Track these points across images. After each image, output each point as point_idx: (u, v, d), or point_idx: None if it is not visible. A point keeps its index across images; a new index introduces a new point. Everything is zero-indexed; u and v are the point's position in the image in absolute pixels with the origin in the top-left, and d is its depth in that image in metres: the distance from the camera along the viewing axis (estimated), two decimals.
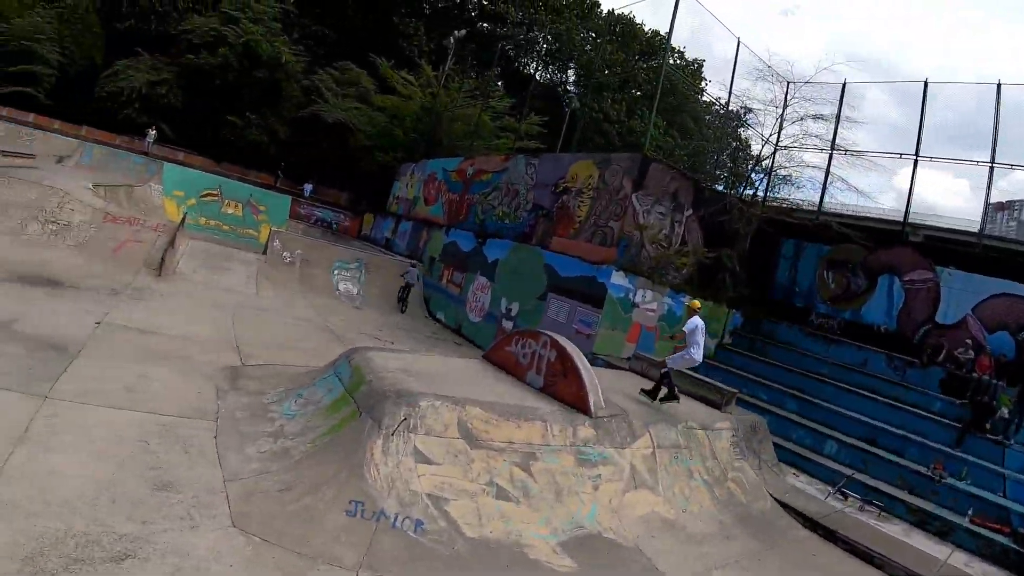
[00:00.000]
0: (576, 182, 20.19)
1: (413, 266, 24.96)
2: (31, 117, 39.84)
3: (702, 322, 11.66)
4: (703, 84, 53.80)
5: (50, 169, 26.35)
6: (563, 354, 10.35)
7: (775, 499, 11.71)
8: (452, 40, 41.49)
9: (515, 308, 19.34)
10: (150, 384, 9.56)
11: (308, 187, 40.66)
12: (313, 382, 9.96)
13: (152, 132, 38.91)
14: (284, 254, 23.28)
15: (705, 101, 65.40)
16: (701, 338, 11.47)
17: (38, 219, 18.34)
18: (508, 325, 19.46)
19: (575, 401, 9.92)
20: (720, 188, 25.22)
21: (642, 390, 12.20)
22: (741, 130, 28.77)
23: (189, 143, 43.54)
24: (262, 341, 14.14)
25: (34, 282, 14.07)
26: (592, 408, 9.79)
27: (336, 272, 23.96)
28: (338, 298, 22.81)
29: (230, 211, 35.23)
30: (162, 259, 18.64)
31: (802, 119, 21.39)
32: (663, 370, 11.90)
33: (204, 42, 42.25)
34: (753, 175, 23.39)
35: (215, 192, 35.16)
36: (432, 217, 29.22)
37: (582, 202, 19.69)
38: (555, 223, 20.58)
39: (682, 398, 12.25)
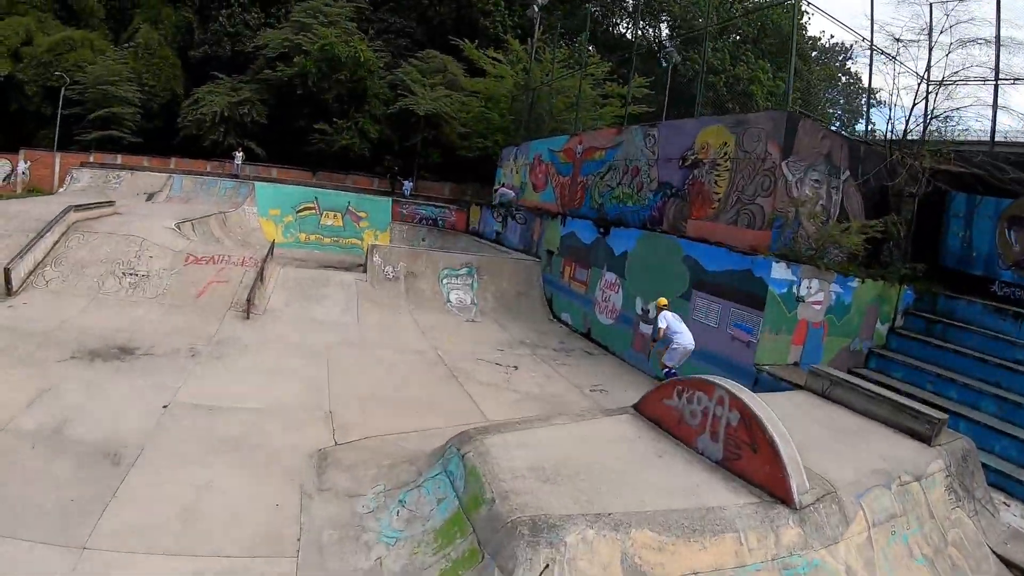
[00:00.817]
0: (707, 152, 17.27)
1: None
2: (119, 158, 40.99)
3: (671, 313, 13.41)
4: (807, 18, 48.89)
5: (136, 211, 26.34)
6: (749, 417, 7.67)
7: (997, 555, 8.77)
8: (536, 9, 38.47)
9: (653, 309, 16.52)
10: (213, 502, 7.76)
11: (408, 184, 39.58)
12: (420, 481, 7.67)
13: (239, 154, 38.95)
14: (386, 269, 21.29)
15: (810, 36, 59.67)
16: (680, 324, 13.06)
17: (115, 273, 17.57)
18: (646, 330, 16.66)
19: (769, 483, 7.41)
20: (865, 141, 21.07)
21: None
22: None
23: (280, 158, 43.54)
24: (360, 394, 12.28)
25: (104, 355, 12.82)
26: (795, 496, 7.18)
27: (445, 281, 21.84)
28: (450, 311, 20.68)
29: (329, 222, 34.26)
30: (249, 297, 16.96)
31: (956, 45, 17.00)
32: (664, 371, 13.11)
33: (280, 54, 41.98)
34: (909, 119, 18.97)
35: (312, 205, 34.28)
36: (543, 204, 26.82)
37: (719, 176, 16.72)
38: (688, 203, 17.79)
39: (876, 427, 10.01)
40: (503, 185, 30.33)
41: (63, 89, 41.16)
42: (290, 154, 44.26)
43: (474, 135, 39.97)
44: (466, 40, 41.07)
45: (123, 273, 17.50)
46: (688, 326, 14.35)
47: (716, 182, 16.66)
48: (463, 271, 22.29)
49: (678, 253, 16.48)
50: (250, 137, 42.72)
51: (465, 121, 40.69)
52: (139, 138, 43.93)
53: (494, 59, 38.82)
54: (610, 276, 19.31)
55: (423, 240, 34.09)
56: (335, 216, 34.25)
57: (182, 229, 22.84)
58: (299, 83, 40.92)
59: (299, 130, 42.81)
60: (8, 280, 16.02)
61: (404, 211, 35.82)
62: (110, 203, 24.30)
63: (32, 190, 38.55)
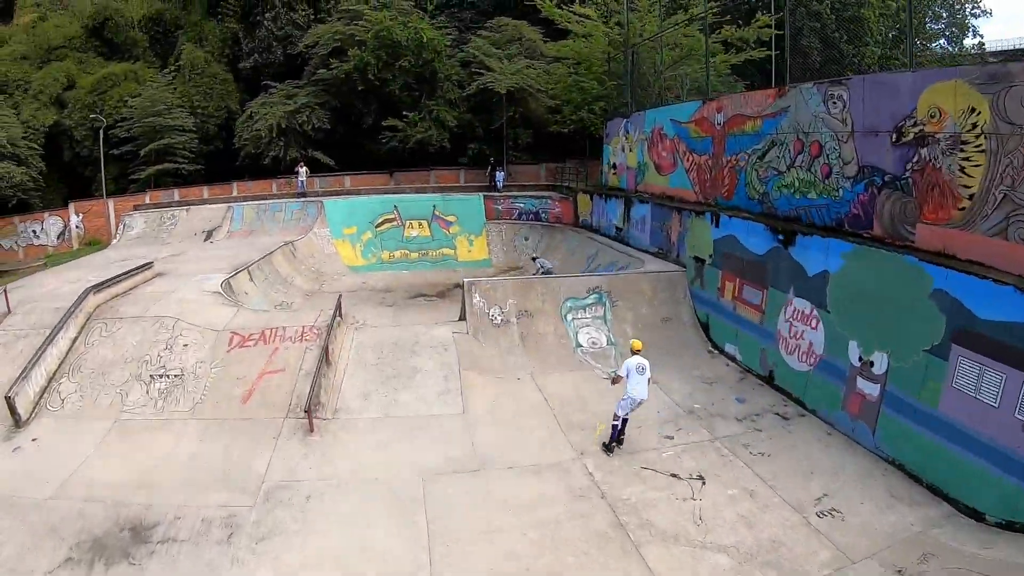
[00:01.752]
0: (941, 122, 11.74)
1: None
2: (175, 194, 38.83)
3: (636, 361, 12.41)
4: None
5: (183, 265, 23.55)
6: None
7: None
8: None
9: (881, 362, 11.73)
10: None
11: (500, 175, 35.65)
12: None
13: (302, 169, 36.12)
14: (491, 312, 17.02)
15: None
16: (636, 376, 12.26)
17: (142, 378, 14.04)
18: (870, 390, 11.72)
19: None
20: None
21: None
22: None
23: (350, 164, 40.18)
24: None
25: (110, 548, 9.45)
26: None
27: (570, 317, 17.40)
28: (583, 363, 16.33)
29: (414, 233, 30.56)
30: (311, 397, 12.84)
31: None
32: (614, 422, 12.57)
33: (333, 49, 38.69)
34: None
35: (392, 216, 30.82)
36: (675, 191, 22.16)
37: (967, 159, 11.17)
38: (915, 200, 12.52)
39: None
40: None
41: (101, 130, 38.47)
42: (362, 158, 41.11)
43: (567, 106, 35.02)
44: None
45: (151, 376, 14.20)
46: (943, 400, 10.25)
47: (964, 169, 11.31)
48: (590, 299, 17.81)
49: (922, 284, 11.38)
50: (314, 147, 39.75)
51: (554, 92, 35.82)
52: (199, 164, 41.68)
53: (580, 15, 33.84)
54: (801, 304, 14.42)
55: (525, 240, 30.17)
56: (420, 225, 30.59)
57: (234, 287, 19.60)
58: (358, 78, 37.42)
59: (368, 130, 39.65)
60: (13, 410, 12.78)
61: (499, 207, 32.01)
62: (147, 266, 20.95)
63: (90, 243, 36.81)
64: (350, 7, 39.65)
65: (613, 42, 32.22)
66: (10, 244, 37.84)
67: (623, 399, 12.32)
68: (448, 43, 39.71)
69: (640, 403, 12.34)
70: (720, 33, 30.31)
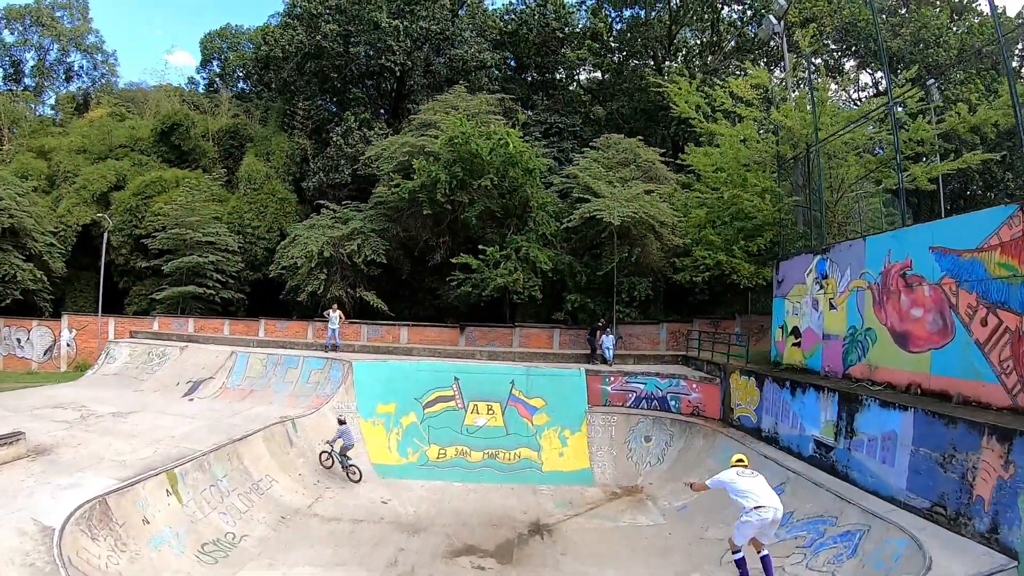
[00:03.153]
0: None
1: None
2: (190, 324, 32.59)
3: (731, 476, 10.33)
4: None
5: (122, 425, 17.86)
6: None
7: None
8: (775, 22, 24.76)
9: None
10: None
11: (608, 341, 25.82)
12: None
13: (334, 313, 27.47)
14: None
15: None
16: (745, 480, 10.11)
17: None
18: None
19: None
20: None
21: None
22: None
23: (411, 312, 32.27)
24: None
25: None
26: None
27: None
28: None
29: (481, 421, 20.62)
30: None
31: None
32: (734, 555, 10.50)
33: (398, 165, 31.71)
34: None
35: (449, 393, 21.21)
36: (948, 384, 12.14)
37: None
38: None
39: None
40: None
41: (107, 233, 34.78)
42: (426, 307, 33.26)
43: (700, 246, 26.25)
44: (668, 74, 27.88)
45: None
46: None
47: None
48: None
49: None
50: (366, 284, 32.09)
51: (684, 229, 27.11)
52: (240, 293, 35.97)
53: (738, 101, 24.46)
54: None
55: (646, 443, 20.33)
56: (490, 410, 21.39)
57: (117, 511, 11.17)
58: (425, 199, 29.63)
59: (435, 269, 31.64)
60: None
61: (608, 388, 22.21)
62: (13, 437, 12.48)
63: (79, 367, 32.24)
64: (426, 117, 33.04)
65: (787, 139, 22.96)
66: None
67: (740, 519, 9.92)
68: (544, 168, 31.95)
69: (773, 521, 9.73)
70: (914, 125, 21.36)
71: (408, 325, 30.22)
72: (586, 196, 28.72)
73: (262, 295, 36.43)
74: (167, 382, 24.78)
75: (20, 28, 55.85)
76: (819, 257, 17.84)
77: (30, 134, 45.65)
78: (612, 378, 22.35)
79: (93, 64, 59.31)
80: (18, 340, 33.68)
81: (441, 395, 21.85)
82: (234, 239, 35.75)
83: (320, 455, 18.46)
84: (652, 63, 43.58)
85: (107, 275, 36.28)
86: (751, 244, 23.86)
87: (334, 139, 38.27)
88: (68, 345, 33.63)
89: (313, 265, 30.49)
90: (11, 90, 54.32)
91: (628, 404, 21.87)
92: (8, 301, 33.54)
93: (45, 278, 34.73)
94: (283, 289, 33.29)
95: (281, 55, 42.12)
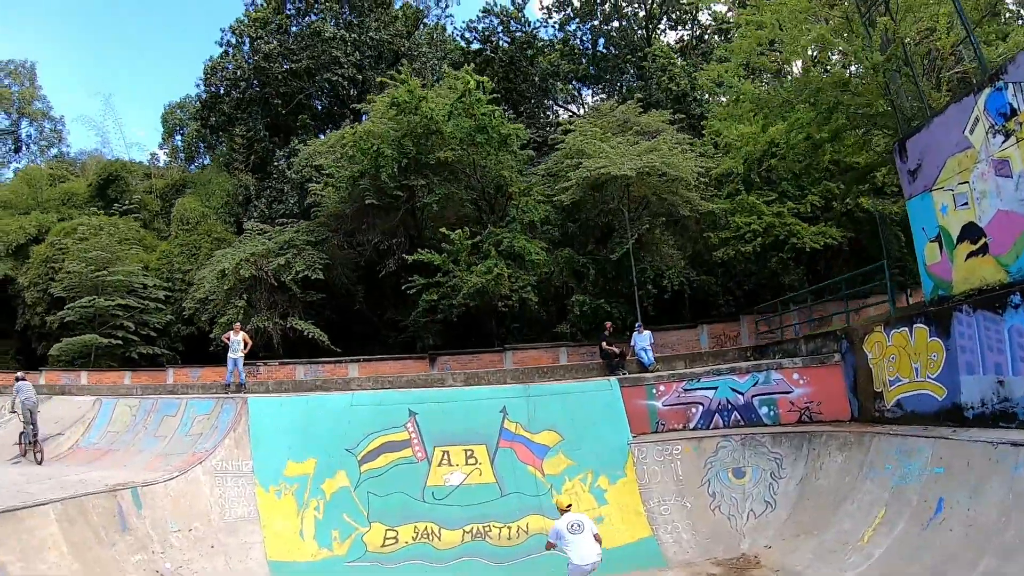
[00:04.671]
0: None
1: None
2: (83, 377, 24.43)
3: (567, 519, 9.15)
4: None
5: None
6: None
7: None
8: None
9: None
10: None
11: (642, 338, 16.81)
12: None
13: (236, 336, 17.72)
14: None
15: None
16: (571, 537, 8.96)
17: None
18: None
19: None
20: None
21: None
22: None
23: (364, 342, 24.34)
24: None
25: None
26: None
27: None
28: None
29: (457, 477, 10.18)
30: None
31: None
32: None
33: (339, 158, 23.63)
34: None
35: (401, 436, 12.97)
36: None
37: None
38: None
39: None
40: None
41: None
42: (387, 343, 24.28)
43: (740, 211, 19.01)
44: None
45: None
46: None
47: None
48: None
49: None
50: (303, 310, 23.15)
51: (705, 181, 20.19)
52: (169, 349, 28.02)
53: None
54: None
55: (737, 477, 11.48)
56: (471, 457, 12.27)
57: None
58: (368, 186, 21.33)
59: (396, 294, 22.83)
60: None
61: (659, 403, 13.10)
62: None
63: None
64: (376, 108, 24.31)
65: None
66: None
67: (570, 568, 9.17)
68: (524, 138, 23.08)
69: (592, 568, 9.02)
70: None
71: (358, 361, 20.94)
72: (585, 154, 20.30)
73: (197, 351, 27.45)
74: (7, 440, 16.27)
75: None
76: (989, 90, 9.68)
77: None
78: (661, 387, 13.24)
79: (40, 131, 53.08)
80: None
81: (388, 440, 12.68)
82: (159, 288, 28.02)
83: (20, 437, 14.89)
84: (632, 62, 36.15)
85: (24, 339, 29.87)
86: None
87: (277, 166, 30.56)
88: None
89: (227, 288, 21.96)
90: None
91: (693, 424, 12.81)
92: None
93: None
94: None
95: (221, 90, 35.41)
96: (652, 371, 15.51)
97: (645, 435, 12.63)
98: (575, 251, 21.37)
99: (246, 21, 34.27)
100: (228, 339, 17.40)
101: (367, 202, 21.49)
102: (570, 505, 9.61)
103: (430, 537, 11.33)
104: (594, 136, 21.30)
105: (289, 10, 34.22)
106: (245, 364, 18.01)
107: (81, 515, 9.80)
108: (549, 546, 9.45)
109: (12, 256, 32.29)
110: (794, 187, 20.75)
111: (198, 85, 38.23)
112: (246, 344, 17.40)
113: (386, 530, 11.45)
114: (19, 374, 16.93)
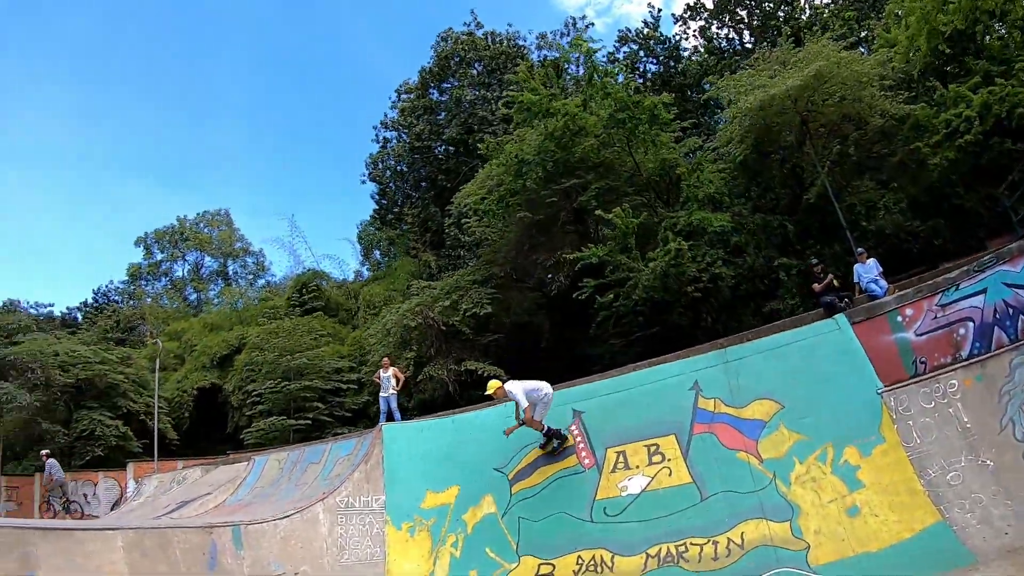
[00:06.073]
0: None
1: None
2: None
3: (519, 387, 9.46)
4: None
5: None
6: None
7: None
8: None
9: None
10: None
11: (868, 268, 11.39)
12: None
13: (386, 373, 15.26)
14: None
15: None
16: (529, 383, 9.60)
17: None
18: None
19: None
20: None
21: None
22: None
23: (546, 366, 20.61)
24: None
25: None
26: None
27: None
28: None
29: (637, 482, 9.51)
30: None
31: None
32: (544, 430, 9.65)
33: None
34: None
35: (568, 440, 9.72)
36: None
37: None
38: None
39: None
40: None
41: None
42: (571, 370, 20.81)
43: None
44: None
45: None
46: None
47: None
48: None
49: None
50: (479, 355, 20.61)
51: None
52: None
53: None
54: None
55: None
56: (656, 454, 8.97)
57: None
58: (520, 201, 19.04)
59: (581, 317, 19.49)
60: None
61: (910, 334, 8.51)
62: None
63: None
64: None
65: None
66: (59, 507, 28.64)
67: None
68: (669, 118, 18.72)
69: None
70: None
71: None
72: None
73: None
74: (157, 505, 17.63)
75: (169, 246, 57.96)
76: None
77: (164, 320, 43.89)
78: (908, 311, 8.69)
79: (243, 266, 59.59)
80: (84, 496, 27.70)
81: (547, 451, 10.13)
82: (351, 371, 27.86)
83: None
84: None
85: (236, 441, 29.62)
86: None
87: (449, 232, 29.57)
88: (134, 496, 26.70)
89: (393, 342, 20.42)
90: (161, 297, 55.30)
91: (967, 350, 8.12)
92: (89, 457, 29.44)
93: (131, 434, 30.63)
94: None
95: (386, 179, 36.73)
96: (880, 295, 11.02)
97: (899, 384, 8.16)
98: (765, 215, 17.20)
99: (396, 117, 35.64)
100: (378, 378, 15.22)
101: (519, 215, 19.10)
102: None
103: (598, 568, 7.95)
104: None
105: (432, 93, 34.61)
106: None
107: (159, 548, 8.35)
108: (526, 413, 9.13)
109: (218, 367, 34.90)
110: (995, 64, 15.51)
111: (363, 181, 39.61)
112: (398, 380, 15.06)
113: (539, 564, 8.28)
114: (45, 451, 19.99)
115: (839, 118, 16.30)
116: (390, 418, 14.65)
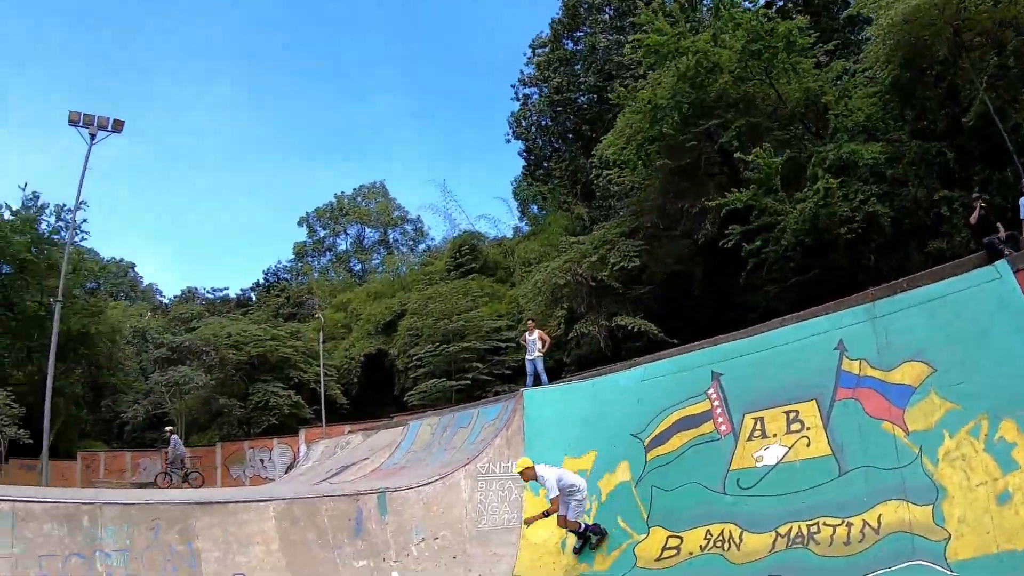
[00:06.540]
0: None
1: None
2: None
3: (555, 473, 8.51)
4: None
5: None
6: None
7: None
8: None
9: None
10: None
11: None
12: None
13: (531, 336, 15.34)
14: None
15: None
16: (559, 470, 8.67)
17: None
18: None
19: None
20: None
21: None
22: None
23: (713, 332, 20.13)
24: None
25: None
26: None
27: None
28: None
29: (773, 453, 8.37)
30: None
31: None
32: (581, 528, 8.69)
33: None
34: None
35: (702, 406, 9.60)
36: None
37: None
38: None
39: None
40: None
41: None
42: (723, 318, 19.13)
43: None
44: None
45: None
46: None
47: None
48: None
49: None
50: (630, 309, 20.27)
51: None
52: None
53: None
54: None
55: None
56: (794, 421, 8.19)
57: None
58: (658, 149, 18.17)
59: (719, 257, 18.66)
60: None
61: None
62: None
63: None
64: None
65: None
66: (238, 472, 32.63)
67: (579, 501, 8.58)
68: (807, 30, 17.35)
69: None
70: None
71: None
72: None
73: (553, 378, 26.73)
74: (320, 470, 19.28)
75: (330, 222, 63.03)
76: None
77: (330, 293, 47.39)
78: None
79: (403, 234, 63.03)
80: (261, 461, 31.56)
81: (684, 415, 9.23)
82: (510, 330, 28.55)
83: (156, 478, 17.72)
84: None
85: (401, 404, 31.31)
86: None
87: (598, 183, 27.76)
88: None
89: (543, 300, 20.53)
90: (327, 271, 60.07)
91: None
92: (265, 425, 33.39)
93: (303, 402, 34.34)
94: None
95: (530, 135, 36.79)
96: None
97: None
98: (922, 142, 15.44)
99: (532, 72, 35.68)
100: (524, 340, 15.49)
101: (659, 163, 18.49)
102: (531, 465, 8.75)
103: (725, 545, 7.54)
104: None
105: (566, 43, 33.80)
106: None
107: (308, 516, 9.21)
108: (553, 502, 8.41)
109: (382, 333, 37.09)
110: None
111: (508, 139, 39.64)
112: (544, 343, 15.24)
113: (668, 537, 8.06)
114: (169, 428, 22.63)
115: (996, 25, 13.99)
116: (537, 381, 14.93)
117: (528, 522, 8.62)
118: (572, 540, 8.81)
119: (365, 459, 15.63)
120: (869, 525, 6.73)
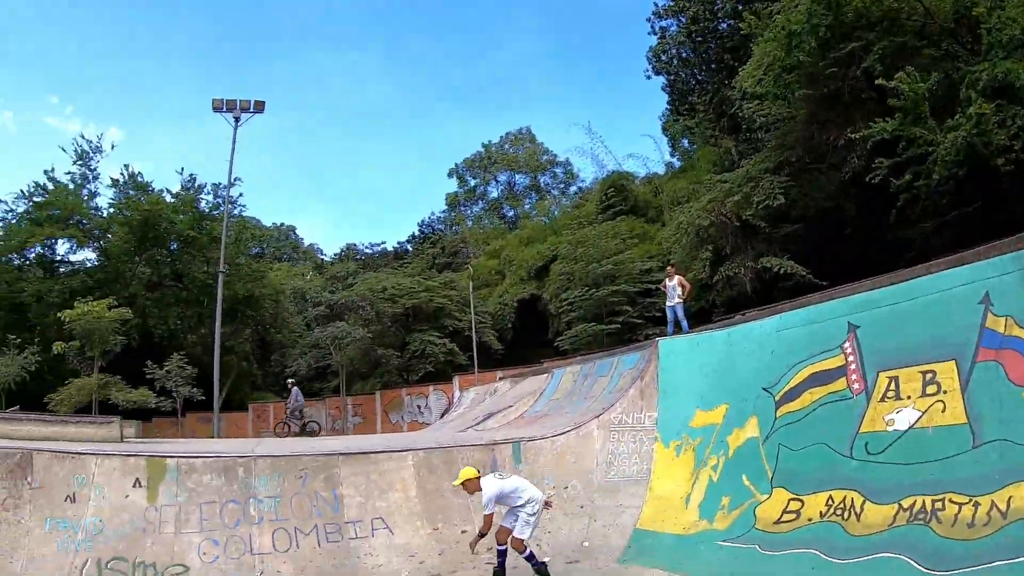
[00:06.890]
0: None
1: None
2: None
3: (495, 485, 7.95)
4: None
5: None
6: None
7: None
8: None
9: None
10: None
11: None
12: None
13: (671, 282, 15.87)
14: None
15: None
16: (514, 481, 8.12)
17: None
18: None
19: None
20: None
21: None
22: None
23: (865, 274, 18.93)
24: None
25: None
26: None
27: None
28: None
29: (906, 416, 7.80)
30: None
31: None
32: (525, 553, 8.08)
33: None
34: None
35: (835, 361, 8.92)
36: None
37: None
38: None
39: None
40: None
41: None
42: (877, 258, 17.80)
43: None
44: None
45: None
46: None
47: None
48: None
49: None
50: (778, 250, 19.74)
51: None
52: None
53: None
54: None
55: None
56: (930, 382, 7.47)
57: None
58: (798, 78, 17.19)
59: (871, 192, 17.36)
60: None
61: None
62: None
63: None
64: None
65: None
66: (397, 418, 34.65)
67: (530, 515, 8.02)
68: None
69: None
70: None
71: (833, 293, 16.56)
72: None
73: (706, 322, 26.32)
74: (468, 417, 20.93)
75: (480, 171, 64.75)
76: None
77: (483, 240, 49.37)
78: None
79: (554, 177, 64.07)
80: (419, 407, 33.47)
81: (817, 370, 8.94)
82: (659, 270, 27.21)
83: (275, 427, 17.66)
84: None
85: (555, 347, 32.12)
86: None
87: (743, 115, 26.07)
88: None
89: (688, 242, 20.13)
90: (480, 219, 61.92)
91: None
92: (422, 373, 35.34)
93: (458, 349, 36.10)
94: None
95: (672, 70, 35.83)
96: None
97: None
98: None
99: (667, 3, 34.40)
100: (664, 287, 15.71)
101: (798, 93, 17.50)
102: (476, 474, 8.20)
103: (845, 514, 7.27)
104: None
105: None
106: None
107: (444, 464, 10.20)
108: (487, 520, 7.84)
109: (535, 278, 38.19)
110: None
111: (648, 76, 38.49)
112: (684, 289, 15.35)
113: (789, 499, 7.93)
114: (290, 380, 23.94)
115: None
116: (677, 328, 15.11)
117: (471, 547, 8.08)
118: (698, 495, 9.01)
119: (510, 407, 16.67)
120: (997, 507, 6.08)
